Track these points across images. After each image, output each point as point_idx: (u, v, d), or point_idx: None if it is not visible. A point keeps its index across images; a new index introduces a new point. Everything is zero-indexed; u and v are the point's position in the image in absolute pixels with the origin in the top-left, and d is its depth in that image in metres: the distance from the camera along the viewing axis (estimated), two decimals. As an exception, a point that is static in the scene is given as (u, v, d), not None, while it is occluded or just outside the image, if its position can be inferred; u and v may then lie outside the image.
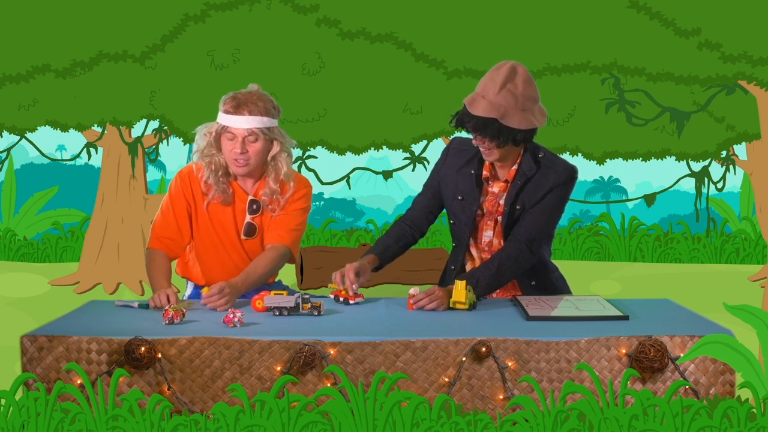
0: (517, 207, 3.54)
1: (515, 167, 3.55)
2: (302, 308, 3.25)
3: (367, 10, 6.42)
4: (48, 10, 6.36)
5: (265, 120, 3.61)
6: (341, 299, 3.49)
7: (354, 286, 3.48)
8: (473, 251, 3.69)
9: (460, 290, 3.35)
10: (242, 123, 3.59)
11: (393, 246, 3.70)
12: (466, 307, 3.34)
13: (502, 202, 3.58)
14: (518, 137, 3.40)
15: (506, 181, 3.58)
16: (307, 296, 3.28)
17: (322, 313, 3.25)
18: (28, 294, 7.36)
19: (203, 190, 3.73)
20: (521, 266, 3.55)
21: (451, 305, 3.37)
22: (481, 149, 3.49)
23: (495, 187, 3.61)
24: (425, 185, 3.77)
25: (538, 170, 3.53)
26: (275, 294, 3.31)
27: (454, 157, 3.66)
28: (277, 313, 3.25)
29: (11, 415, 2.71)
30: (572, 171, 3.57)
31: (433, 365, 2.86)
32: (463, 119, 3.41)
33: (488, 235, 3.64)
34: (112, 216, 7.81)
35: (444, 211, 3.77)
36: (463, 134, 3.58)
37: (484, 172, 3.60)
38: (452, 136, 3.81)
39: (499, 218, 3.58)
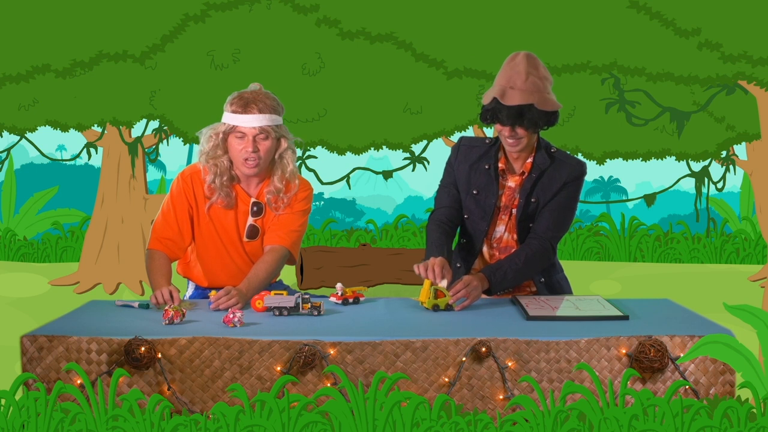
0: (532, 200, 3.59)
1: (530, 160, 3.61)
2: (302, 308, 3.25)
3: (367, 10, 6.42)
4: (48, 10, 6.36)
5: (274, 117, 3.61)
6: (339, 302, 3.48)
7: (443, 282, 3.36)
8: (483, 247, 3.70)
9: (425, 289, 3.35)
10: (252, 121, 3.58)
11: (447, 244, 3.59)
12: (429, 307, 3.35)
13: (518, 195, 3.62)
14: (552, 119, 3.49)
15: (522, 174, 3.62)
16: (307, 296, 3.28)
17: (322, 313, 3.25)
18: (28, 294, 7.36)
19: (206, 194, 3.72)
20: (545, 263, 3.63)
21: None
22: (510, 141, 3.51)
23: (511, 182, 3.65)
24: (443, 183, 3.75)
25: (551, 163, 3.60)
26: (275, 294, 3.31)
27: (466, 154, 3.69)
28: (277, 313, 3.25)
29: (11, 415, 2.71)
30: (584, 166, 3.67)
31: (433, 365, 2.86)
32: (496, 113, 3.45)
33: (500, 230, 3.66)
34: (112, 216, 7.81)
35: None
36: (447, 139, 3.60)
37: (500, 165, 3.63)
38: (452, 137, 3.84)
39: (514, 211, 3.62)
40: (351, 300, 3.48)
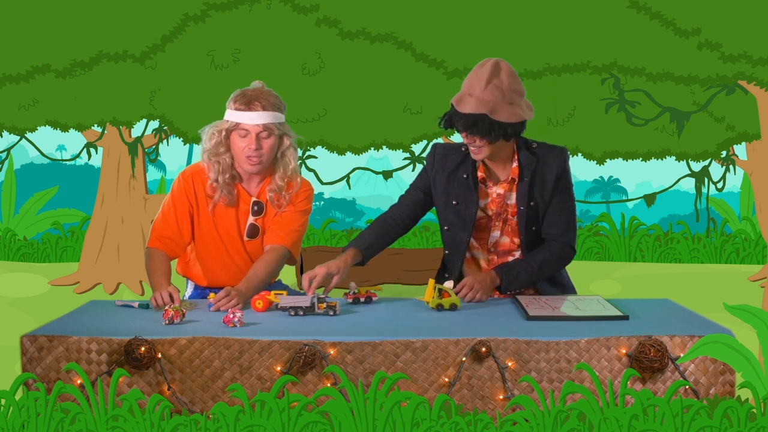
0: (532, 203, 3.56)
1: (515, 165, 3.56)
2: (317, 308, 3.23)
3: (367, 10, 6.42)
4: (48, 10, 6.36)
5: (276, 115, 3.62)
6: (350, 300, 3.47)
7: (313, 290, 3.35)
8: (478, 253, 3.69)
9: (429, 289, 3.35)
10: (256, 119, 3.58)
11: (378, 243, 3.60)
12: (433, 306, 3.34)
13: (511, 201, 3.59)
14: (509, 131, 3.41)
15: (512, 180, 3.58)
16: (322, 296, 3.26)
17: (338, 312, 3.23)
18: (28, 294, 7.36)
19: (208, 193, 3.72)
20: (563, 266, 3.65)
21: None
22: (471, 149, 3.49)
23: (499, 189, 3.60)
24: (413, 186, 3.71)
25: (538, 161, 3.56)
26: (276, 293, 3.30)
27: (442, 162, 3.64)
28: (293, 313, 3.22)
29: (11, 415, 2.71)
30: (565, 150, 3.65)
31: (433, 365, 2.86)
32: (452, 119, 3.43)
33: (495, 235, 3.65)
34: (112, 216, 7.81)
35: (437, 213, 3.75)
36: (447, 139, 3.58)
37: (480, 174, 3.59)
38: (452, 137, 3.83)
39: (512, 218, 3.59)
40: (362, 299, 3.47)
